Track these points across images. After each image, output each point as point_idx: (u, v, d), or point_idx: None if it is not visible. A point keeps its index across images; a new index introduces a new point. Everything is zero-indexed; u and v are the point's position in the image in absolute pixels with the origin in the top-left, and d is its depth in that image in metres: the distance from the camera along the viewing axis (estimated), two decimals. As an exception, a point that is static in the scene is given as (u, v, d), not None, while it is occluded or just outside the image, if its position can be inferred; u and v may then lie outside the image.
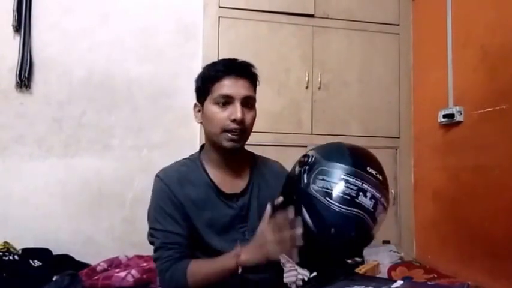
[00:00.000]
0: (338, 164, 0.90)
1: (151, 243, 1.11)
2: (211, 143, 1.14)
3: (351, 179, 0.87)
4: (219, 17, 2.41)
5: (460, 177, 2.17)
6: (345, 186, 0.87)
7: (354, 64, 2.58)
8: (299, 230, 0.88)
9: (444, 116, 2.23)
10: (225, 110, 1.07)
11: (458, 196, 2.18)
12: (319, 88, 2.51)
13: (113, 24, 2.36)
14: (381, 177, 0.90)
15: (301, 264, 1.05)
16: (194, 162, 1.15)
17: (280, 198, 0.97)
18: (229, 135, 1.07)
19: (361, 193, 0.87)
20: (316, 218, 0.88)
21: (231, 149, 1.09)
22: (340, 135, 2.48)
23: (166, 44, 2.41)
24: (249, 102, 1.09)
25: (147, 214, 1.13)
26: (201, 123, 1.15)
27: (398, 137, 2.61)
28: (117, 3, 2.38)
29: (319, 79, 2.51)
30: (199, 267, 1.03)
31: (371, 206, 0.87)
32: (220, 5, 2.41)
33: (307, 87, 2.50)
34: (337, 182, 0.87)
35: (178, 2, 2.45)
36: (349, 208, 0.86)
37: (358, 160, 0.92)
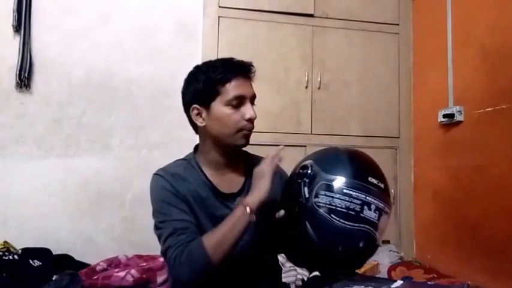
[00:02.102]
0: (339, 176, 0.89)
1: (159, 236, 1.05)
2: (216, 144, 1.12)
3: (354, 193, 0.87)
4: (218, 17, 2.41)
5: (460, 177, 2.17)
6: (349, 201, 0.86)
7: (353, 64, 2.58)
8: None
9: (444, 116, 2.23)
10: (238, 111, 1.07)
11: (458, 196, 2.18)
12: (319, 88, 2.51)
13: (113, 25, 2.36)
14: (382, 185, 0.90)
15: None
16: (190, 163, 1.15)
17: (282, 212, 0.99)
18: (244, 133, 1.09)
19: (365, 207, 0.86)
20: (321, 233, 0.88)
21: (243, 145, 1.12)
22: (340, 135, 2.49)
23: (166, 44, 2.41)
24: (254, 101, 1.12)
25: (152, 215, 1.10)
26: (203, 126, 1.11)
27: (398, 137, 2.61)
28: (117, 4, 2.38)
29: (319, 79, 2.51)
30: (213, 235, 0.99)
31: (376, 218, 0.87)
32: (220, 5, 2.42)
33: (306, 87, 2.50)
34: (340, 197, 0.86)
35: (178, 2, 2.45)
36: (355, 224, 0.85)
37: (359, 170, 0.91)
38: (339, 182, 0.88)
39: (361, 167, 0.92)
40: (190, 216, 1.06)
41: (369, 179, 0.89)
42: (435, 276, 2.08)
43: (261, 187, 1.01)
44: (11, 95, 2.22)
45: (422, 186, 2.53)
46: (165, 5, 2.43)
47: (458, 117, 2.15)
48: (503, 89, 1.90)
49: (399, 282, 0.88)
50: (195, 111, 1.11)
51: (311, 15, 2.53)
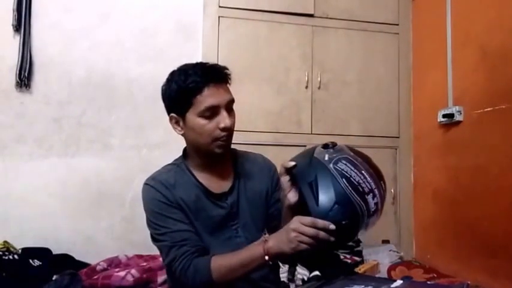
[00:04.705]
0: (363, 161, 0.93)
1: (160, 248, 1.09)
2: (196, 151, 1.12)
3: (369, 178, 0.90)
4: (218, 17, 2.42)
5: (460, 177, 2.17)
6: (362, 180, 0.89)
7: (353, 64, 2.58)
8: (332, 226, 0.87)
9: (444, 116, 2.23)
10: (212, 121, 1.05)
11: (457, 196, 2.18)
12: (319, 88, 2.52)
13: (113, 24, 2.36)
14: (383, 196, 0.93)
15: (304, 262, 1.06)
16: (179, 167, 1.15)
17: (292, 163, 0.97)
18: (220, 142, 1.06)
19: (371, 194, 0.89)
20: (325, 191, 0.89)
21: (222, 154, 1.09)
22: (340, 135, 2.49)
23: (166, 44, 2.41)
24: (230, 106, 1.09)
25: (146, 224, 1.12)
26: (182, 134, 1.12)
27: (398, 137, 2.61)
28: (117, 3, 2.38)
29: (319, 79, 2.51)
30: (223, 261, 1.00)
31: (372, 209, 0.89)
32: (220, 5, 2.42)
33: (306, 87, 2.50)
34: (358, 173, 0.90)
35: (178, 2, 2.45)
36: (356, 196, 0.87)
37: (378, 170, 0.95)
38: (361, 163, 0.92)
39: (379, 170, 0.96)
40: (187, 224, 1.07)
41: (381, 182, 0.93)
42: (435, 275, 2.08)
43: (290, 242, 0.90)
44: (11, 94, 2.22)
45: (422, 186, 2.53)
46: (165, 4, 2.43)
47: (457, 117, 2.16)
48: (503, 89, 1.90)
49: (399, 282, 0.88)
50: (173, 120, 1.12)
51: (311, 15, 2.53)
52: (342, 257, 2.17)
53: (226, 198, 1.13)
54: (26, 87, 2.22)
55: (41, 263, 1.93)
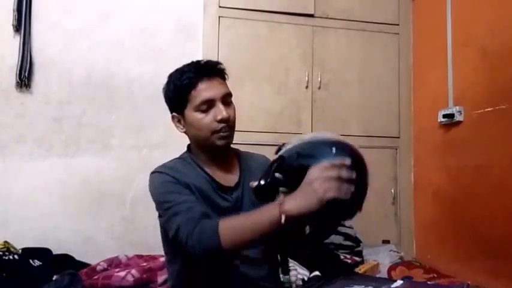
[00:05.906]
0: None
1: (166, 223, 1.03)
2: (199, 146, 1.15)
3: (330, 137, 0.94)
4: (219, 17, 2.42)
5: (460, 177, 2.17)
6: (327, 137, 0.94)
7: (353, 64, 2.58)
8: (348, 160, 0.84)
9: (444, 116, 2.23)
10: (208, 114, 1.08)
11: (458, 196, 2.18)
12: (319, 88, 2.52)
13: (113, 24, 2.36)
14: None
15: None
16: (186, 161, 1.17)
17: (255, 183, 0.92)
18: (220, 134, 1.09)
19: (342, 142, 0.93)
20: (313, 145, 0.91)
21: (223, 146, 1.11)
22: (340, 135, 2.48)
23: (167, 43, 2.41)
24: (227, 99, 1.11)
25: (156, 210, 1.10)
26: (184, 132, 1.15)
27: (398, 137, 2.61)
28: (117, 3, 2.38)
29: (319, 79, 2.51)
30: (233, 223, 0.94)
31: (360, 152, 0.92)
32: (220, 5, 2.42)
33: (307, 87, 2.50)
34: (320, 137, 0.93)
35: (178, 2, 2.45)
36: (340, 139, 0.92)
37: None
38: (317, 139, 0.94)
39: None
40: (196, 197, 1.05)
41: None
42: (435, 276, 2.08)
43: (315, 193, 0.82)
44: (11, 94, 2.22)
45: (422, 186, 2.53)
46: (166, 4, 2.43)
47: (458, 117, 2.16)
48: (503, 89, 1.90)
49: (399, 282, 0.88)
50: (175, 119, 1.16)
51: (311, 15, 2.53)
52: (342, 257, 2.17)
53: (231, 193, 1.14)
54: (26, 87, 2.22)
55: (41, 263, 1.93)
